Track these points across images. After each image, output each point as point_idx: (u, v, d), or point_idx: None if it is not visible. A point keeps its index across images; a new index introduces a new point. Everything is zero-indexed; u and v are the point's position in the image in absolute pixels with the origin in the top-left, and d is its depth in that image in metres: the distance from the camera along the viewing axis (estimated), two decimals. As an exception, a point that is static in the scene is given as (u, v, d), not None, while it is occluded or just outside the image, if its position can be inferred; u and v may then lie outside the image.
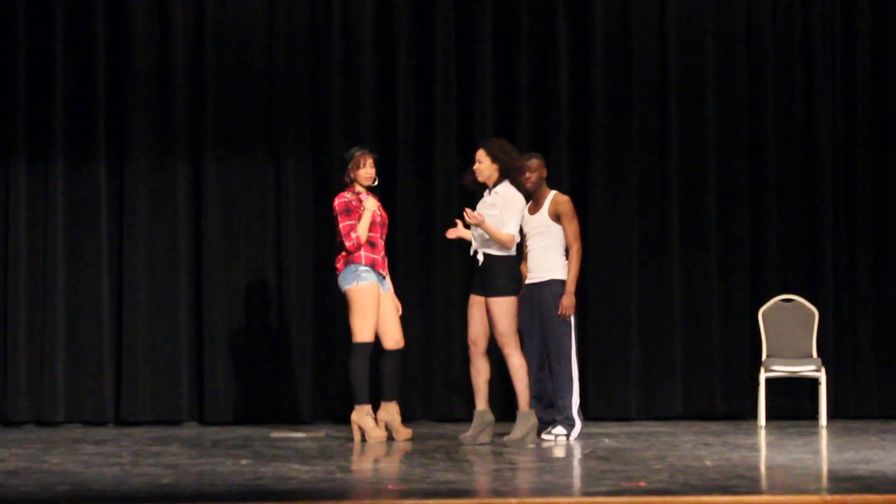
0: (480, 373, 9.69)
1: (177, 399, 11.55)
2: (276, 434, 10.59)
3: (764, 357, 11.35)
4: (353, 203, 9.94)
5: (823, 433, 10.60)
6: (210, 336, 11.60)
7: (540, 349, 9.98)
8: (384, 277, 10.04)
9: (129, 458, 8.87)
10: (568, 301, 9.84)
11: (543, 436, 9.84)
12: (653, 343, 11.88)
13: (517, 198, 9.58)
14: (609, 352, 11.83)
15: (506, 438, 9.56)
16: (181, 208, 11.65)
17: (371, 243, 9.91)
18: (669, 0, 12.02)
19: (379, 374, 10.04)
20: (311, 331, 11.69)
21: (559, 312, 9.84)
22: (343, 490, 7.35)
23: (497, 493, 7.13)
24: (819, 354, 11.39)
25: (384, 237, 10.06)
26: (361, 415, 9.87)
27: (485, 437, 9.63)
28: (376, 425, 9.91)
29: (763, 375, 11.22)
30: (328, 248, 11.51)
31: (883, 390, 11.94)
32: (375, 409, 9.99)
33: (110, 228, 11.60)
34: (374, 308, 9.89)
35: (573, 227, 9.92)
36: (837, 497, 7.04)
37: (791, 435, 10.41)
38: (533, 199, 10.02)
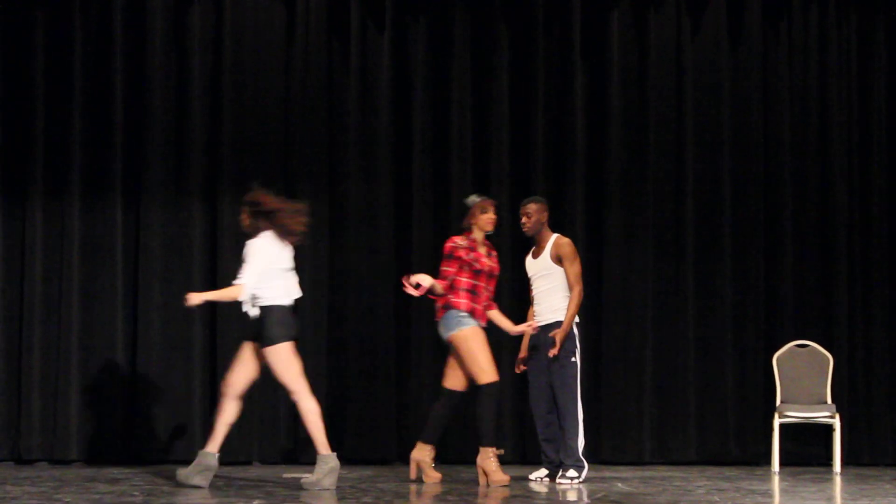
0: (222, 414, 9.39)
1: (190, 438, 11.45)
2: (289, 474, 10.52)
3: (778, 402, 11.26)
4: (461, 251, 9.73)
5: (837, 480, 10.50)
6: (223, 375, 11.37)
7: (547, 392, 9.93)
8: (478, 322, 9.78)
9: (142, 497, 8.72)
10: (561, 336, 9.80)
11: (558, 479, 9.78)
12: (667, 387, 11.83)
13: (257, 248, 9.22)
14: (623, 396, 11.75)
15: (303, 480, 9.29)
16: (196, 248, 11.61)
17: (473, 291, 9.73)
18: (685, 50, 12.07)
19: (429, 415, 9.87)
20: (325, 372, 11.62)
21: (551, 347, 9.80)
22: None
23: (512, 537, 7.04)
24: (834, 400, 11.31)
25: (490, 288, 9.85)
26: (425, 454, 9.75)
27: (201, 480, 9.27)
28: (499, 468, 9.62)
29: (777, 421, 11.13)
30: (343, 287, 11.66)
31: (898, 438, 11.94)
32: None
33: (126, 269, 11.58)
34: (484, 347, 9.62)
35: (575, 268, 9.90)
36: (858, 544, 7.04)
37: (805, 481, 10.31)
38: (535, 243, 10.08)
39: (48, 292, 11.43)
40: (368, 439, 11.59)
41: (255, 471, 10.88)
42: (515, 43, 11.97)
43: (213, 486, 9.48)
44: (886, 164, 12.13)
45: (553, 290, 9.97)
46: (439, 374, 11.62)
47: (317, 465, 9.21)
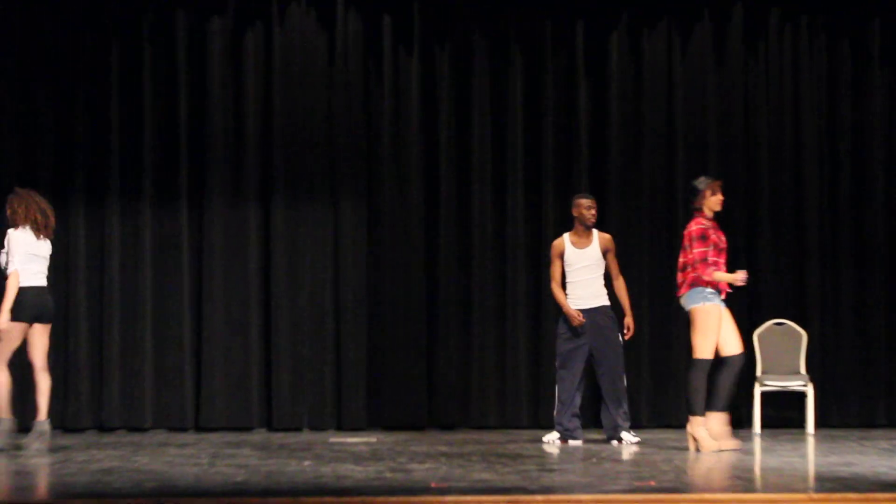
0: None
1: (248, 408, 11.55)
2: (335, 439, 10.62)
3: (758, 373, 11.30)
4: (710, 231, 9.42)
5: (810, 440, 10.55)
6: (277, 355, 11.60)
7: (581, 366, 10.08)
8: (721, 297, 9.48)
9: (207, 459, 8.94)
10: (633, 322, 10.16)
11: (631, 440, 10.02)
12: (661, 360, 11.77)
13: (16, 238, 9.39)
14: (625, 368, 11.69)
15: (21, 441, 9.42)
16: (252, 244, 11.66)
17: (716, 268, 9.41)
18: (675, 67, 11.98)
19: (711, 384, 9.43)
20: (365, 350, 11.66)
21: (626, 332, 10.11)
22: (392, 488, 7.36)
23: (525, 491, 7.14)
24: (807, 371, 11.36)
25: (725, 261, 9.53)
26: (696, 426, 9.37)
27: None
28: (709, 437, 9.35)
29: (758, 389, 11.19)
30: (380, 273, 11.68)
31: (862, 403, 11.85)
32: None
33: (191, 262, 11.64)
34: (716, 328, 9.40)
35: (617, 260, 10.18)
36: (822, 495, 7.05)
37: (782, 441, 10.37)
38: (579, 235, 10.18)
39: (125, 283, 11.51)
40: (403, 407, 11.59)
41: (306, 436, 10.96)
42: (527, 62, 11.91)
43: (269, 449, 9.59)
44: (851, 166, 12.01)
45: (597, 278, 10.14)
46: (464, 347, 11.70)
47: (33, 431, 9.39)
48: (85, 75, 11.62)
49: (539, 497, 6.88)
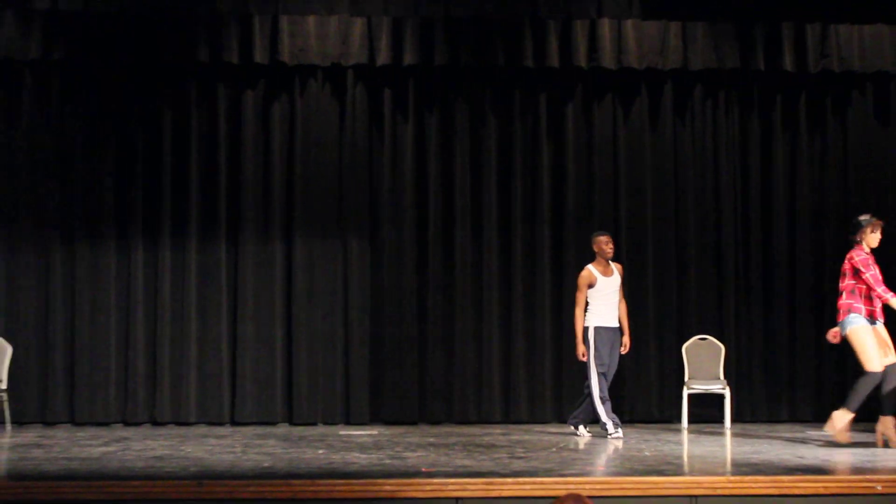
0: None
1: (273, 406, 11.49)
2: (344, 432, 10.57)
3: (686, 379, 11.29)
4: (870, 258, 8.82)
5: (728, 433, 10.54)
6: (297, 362, 11.54)
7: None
8: (876, 321, 8.89)
9: (241, 448, 8.95)
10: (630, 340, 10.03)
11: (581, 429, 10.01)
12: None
13: None
14: (578, 375, 11.40)
15: None
16: (277, 273, 11.59)
17: (869, 297, 8.83)
18: (619, 131, 11.93)
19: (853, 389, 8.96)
20: (368, 360, 11.60)
21: (623, 348, 9.97)
22: (390, 472, 7.38)
23: (498, 475, 7.18)
24: (725, 377, 11.32)
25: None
26: (888, 425, 8.81)
27: None
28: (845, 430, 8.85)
29: (686, 392, 11.16)
30: (379, 301, 11.60)
31: (769, 402, 11.82)
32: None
33: (228, 288, 11.59)
34: (872, 342, 8.80)
35: (623, 287, 10.01)
36: (738, 478, 7.12)
37: (705, 434, 10.37)
38: (603, 266, 9.95)
39: (174, 305, 11.46)
40: (399, 406, 11.51)
41: (320, 430, 10.90)
42: (499, 125, 11.87)
43: (290, 440, 9.55)
44: (760, 210, 12.00)
45: (617, 302, 9.95)
46: (448, 357, 11.56)
47: None
48: (142, 137, 11.60)
49: (509, 480, 6.93)
